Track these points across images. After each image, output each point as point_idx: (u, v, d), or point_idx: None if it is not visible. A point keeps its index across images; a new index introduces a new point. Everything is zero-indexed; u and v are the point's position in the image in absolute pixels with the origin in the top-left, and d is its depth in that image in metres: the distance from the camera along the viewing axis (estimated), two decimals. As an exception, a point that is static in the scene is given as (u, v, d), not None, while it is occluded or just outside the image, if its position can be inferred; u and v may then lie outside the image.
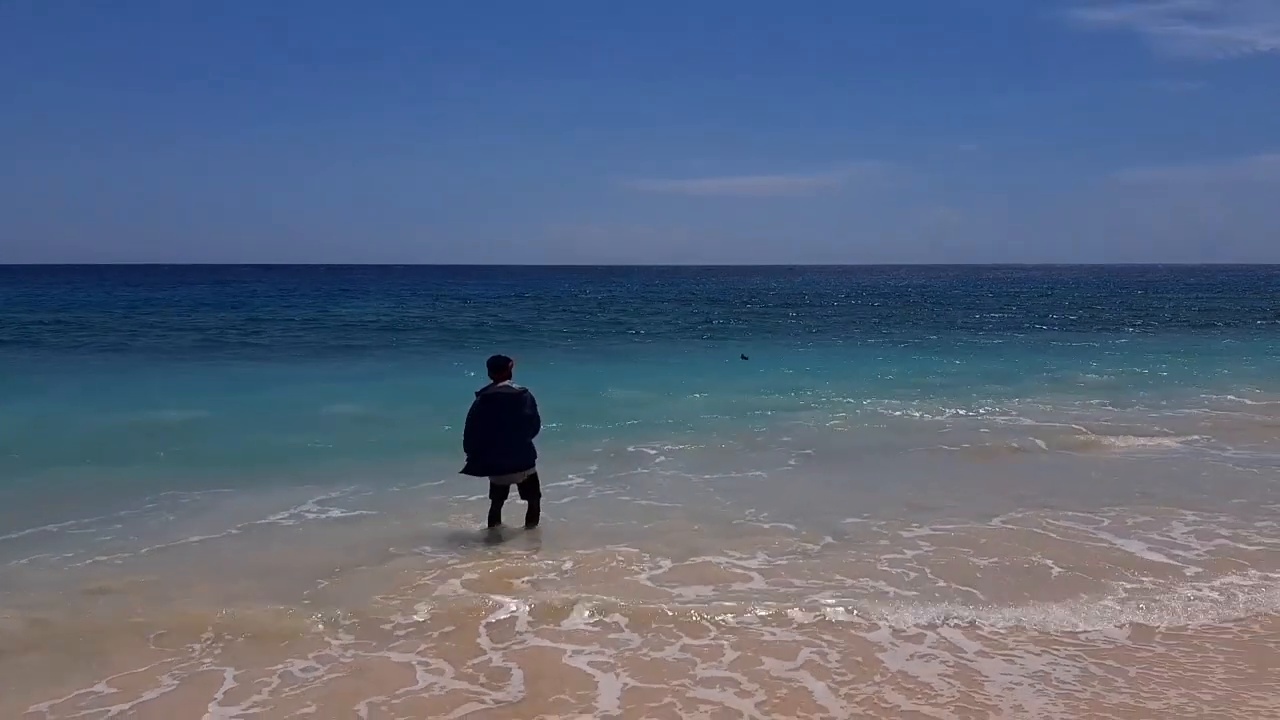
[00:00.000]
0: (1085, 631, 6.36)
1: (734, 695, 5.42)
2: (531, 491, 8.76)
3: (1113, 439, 13.36)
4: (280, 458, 11.98)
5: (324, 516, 9.43)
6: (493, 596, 6.92)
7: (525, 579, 7.46)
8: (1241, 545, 8.36)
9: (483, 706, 5.35)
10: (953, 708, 5.26)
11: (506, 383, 8.53)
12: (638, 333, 35.87)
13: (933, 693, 5.44)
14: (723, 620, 6.49)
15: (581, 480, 10.71)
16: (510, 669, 5.81)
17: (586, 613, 6.59)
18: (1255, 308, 51.18)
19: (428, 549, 8.21)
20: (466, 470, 8.60)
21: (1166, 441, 13.29)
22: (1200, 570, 7.64)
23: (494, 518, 8.76)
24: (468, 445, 8.51)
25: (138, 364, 24.52)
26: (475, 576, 7.48)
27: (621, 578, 7.51)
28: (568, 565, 7.78)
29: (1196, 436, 13.55)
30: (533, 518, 8.78)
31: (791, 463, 12.15)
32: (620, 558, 7.94)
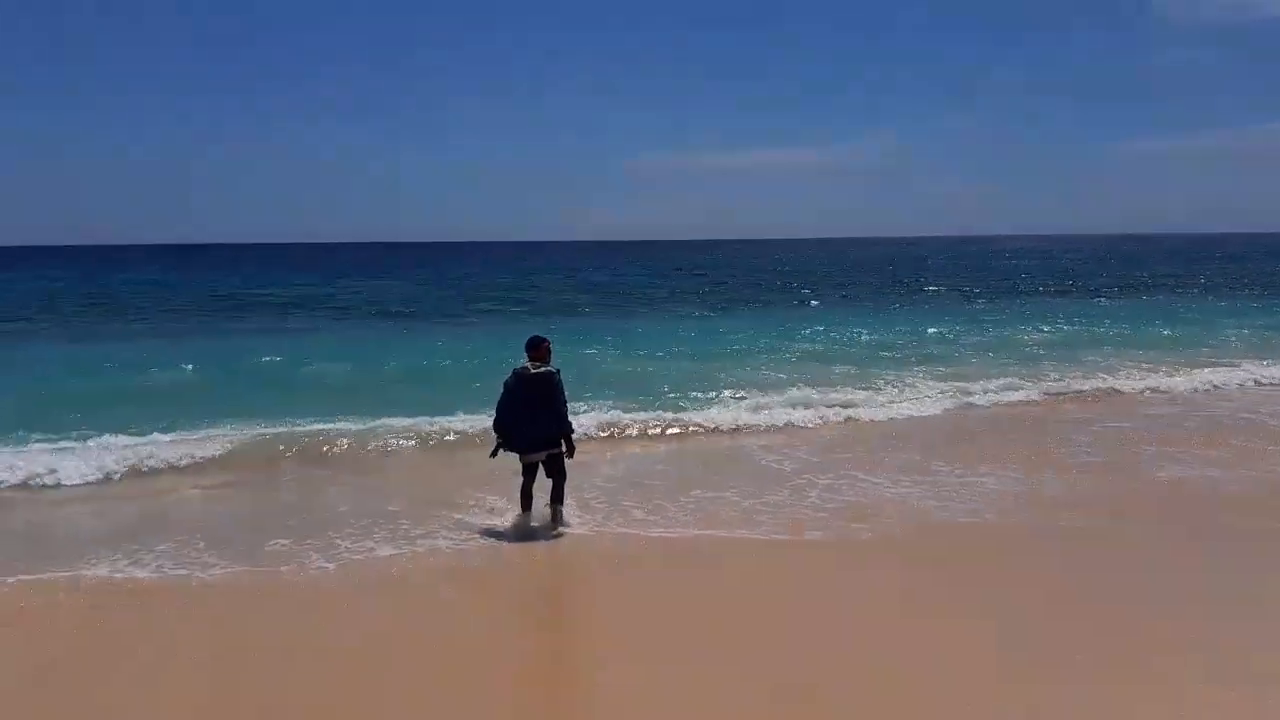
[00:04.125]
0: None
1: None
2: (557, 470, 8.92)
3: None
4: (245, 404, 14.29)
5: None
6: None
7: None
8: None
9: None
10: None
11: (540, 364, 8.72)
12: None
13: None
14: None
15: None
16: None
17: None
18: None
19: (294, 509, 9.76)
20: (495, 452, 8.88)
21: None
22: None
23: (526, 496, 9.00)
24: (499, 425, 8.79)
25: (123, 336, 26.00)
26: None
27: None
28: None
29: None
30: (557, 496, 8.97)
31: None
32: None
